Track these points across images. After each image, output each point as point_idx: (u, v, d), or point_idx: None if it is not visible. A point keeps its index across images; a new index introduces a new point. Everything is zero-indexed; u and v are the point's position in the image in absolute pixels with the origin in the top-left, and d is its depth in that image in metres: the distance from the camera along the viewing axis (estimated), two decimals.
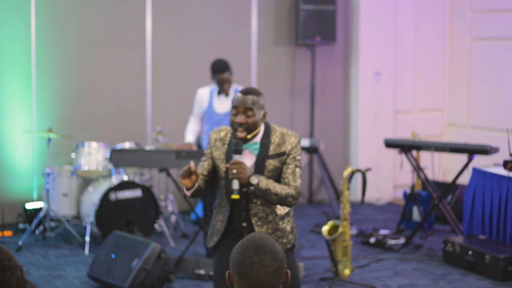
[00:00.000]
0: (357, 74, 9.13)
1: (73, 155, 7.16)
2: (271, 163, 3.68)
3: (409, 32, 9.32)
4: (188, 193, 3.68)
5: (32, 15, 7.64)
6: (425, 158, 7.45)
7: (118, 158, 6.51)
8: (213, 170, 3.78)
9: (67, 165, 7.55)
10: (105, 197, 6.80)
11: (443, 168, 9.31)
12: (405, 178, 8.53)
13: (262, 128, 3.72)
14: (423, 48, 9.41)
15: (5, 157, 7.63)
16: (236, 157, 3.62)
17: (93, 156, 7.07)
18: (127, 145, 7.35)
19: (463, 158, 6.89)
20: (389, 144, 7.26)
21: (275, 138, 3.71)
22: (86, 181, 7.23)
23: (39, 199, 7.67)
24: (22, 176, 7.71)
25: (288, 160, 3.69)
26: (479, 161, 6.97)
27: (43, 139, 7.44)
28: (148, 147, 7.47)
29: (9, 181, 7.66)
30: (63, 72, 7.85)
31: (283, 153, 3.69)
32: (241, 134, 3.64)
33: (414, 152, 7.27)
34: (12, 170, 7.67)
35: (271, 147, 3.69)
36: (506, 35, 8.71)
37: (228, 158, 3.69)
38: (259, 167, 3.68)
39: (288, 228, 3.78)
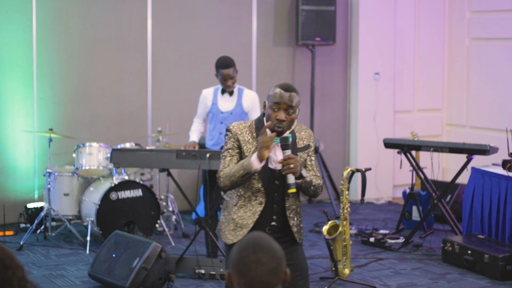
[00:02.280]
0: (356, 74, 9.14)
1: (74, 155, 7.17)
2: (302, 156, 3.78)
3: (408, 32, 9.34)
4: (259, 167, 3.61)
5: (33, 15, 7.66)
6: (425, 158, 7.46)
7: (118, 158, 6.52)
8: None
9: (68, 165, 7.57)
10: (106, 197, 6.82)
11: (442, 168, 9.32)
12: (405, 178, 8.55)
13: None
14: (423, 48, 9.42)
15: (6, 157, 7.66)
16: (287, 152, 3.65)
17: (94, 156, 7.09)
18: (127, 145, 7.36)
19: (462, 158, 6.90)
20: (388, 144, 7.27)
21: (298, 133, 3.81)
22: (87, 181, 7.25)
23: (40, 198, 7.69)
24: (23, 176, 7.73)
25: (310, 153, 3.83)
26: (478, 161, 6.98)
27: (44, 139, 7.46)
28: (148, 147, 7.48)
29: (10, 180, 7.68)
30: (64, 72, 7.87)
31: (307, 146, 3.82)
32: (278, 129, 3.68)
33: (413, 152, 7.29)
34: (13, 170, 7.69)
35: (298, 141, 3.78)
36: (505, 35, 8.72)
37: None
38: None
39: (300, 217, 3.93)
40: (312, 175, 3.78)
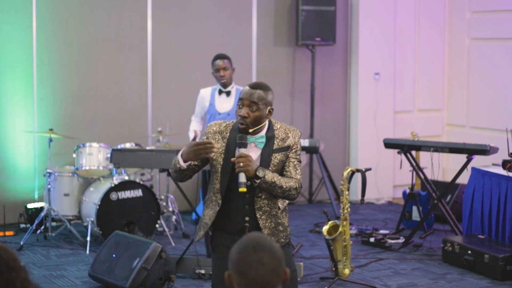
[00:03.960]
0: (357, 74, 9.15)
1: (74, 155, 7.17)
2: (276, 157, 3.70)
3: (408, 32, 9.34)
4: (184, 165, 3.61)
5: (33, 15, 7.66)
6: (425, 158, 7.46)
7: (119, 158, 6.53)
8: (202, 162, 3.73)
9: (68, 165, 7.57)
10: (106, 197, 6.83)
11: (442, 168, 9.33)
12: (405, 178, 8.55)
13: (266, 123, 3.73)
14: (423, 48, 9.42)
15: (6, 157, 7.66)
16: (242, 151, 3.61)
17: (94, 156, 7.09)
18: (128, 145, 7.37)
19: (462, 158, 6.90)
20: (389, 144, 7.27)
21: (278, 133, 3.73)
22: (87, 181, 7.25)
23: (40, 199, 7.69)
24: (23, 176, 7.73)
25: (290, 154, 3.72)
26: (478, 161, 6.98)
27: (45, 139, 7.46)
28: (149, 147, 7.48)
29: (10, 181, 7.68)
30: (64, 73, 7.88)
31: (287, 147, 3.72)
32: (241, 126, 3.65)
33: (413, 152, 7.29)
34: (13, 170, 7.69)
35: (276, 141, 3.71)
36: (505, 35, 8.73)
37: (227, 152, 3.67)
38: (264, 161, 3.68)
39: (286, 222, 3.83)
40: (282, 177, 3.65)
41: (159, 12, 8.23)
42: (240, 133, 3.66)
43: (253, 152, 3.69)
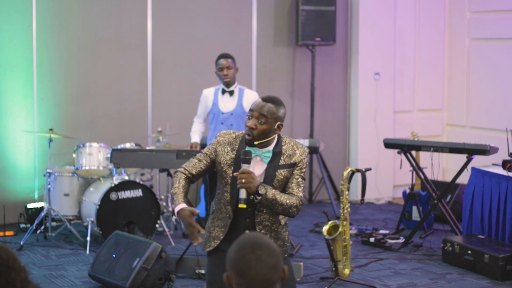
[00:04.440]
0: (357, 74, 9.15)
1: (74, 155, 7.18)
2: (281, 173, 3.67)
3: (408, 32, 9.34)
4: (176, 213, 3.62)
5: (34, 15, 7.66)
6: (425, 158, 7.47)
7: (119, 158, 6.53)
8: (202, 173, 3.72)
9: (68, 165, 7.57)
10: (106, 197, 6.83)
11: (442, 168, 9.33)
12: (405, 178, 8.55)
13: (275, 138, 3.69)
14: (423, 48, 9.43)
15: (6, 157, 7.66)
16: (245, 167, 3.59)
17: (94, 156, 7.09)
18: (128, 145, 7.37)
19: (462, 158, 6.91)
20: (389, 144, 7.27)
21: (286, 149, 3.69)
22: (87, 181, 7.25)
23: (40, 199, 7.69)
24: (23, 176, 7.73)
25: (295, 171, 3.69)
26: (478, 161, 6.98)
27: (45, 139, 7.46)
28: (149, 147, 7.48)
29: (10, 181, 7.68)
30: (64, 73, 7.88)
31: (293, 164, 3.68)
32: (247, 137, 3.63)
33: (413, 152, 7.29)
34: (13, 170, 7.69)
35: (282, 158, 3.67)
36: (505, 35, 8.73)
37: (236, 164, 3.64)
38: (269, 176, 3.65)
39: (286, 237, 3.80)
40: (283, 194, 3.63)
41: (159, 12, 8.23)
42: (246, 143, 3.64)
43: (259, 166, 3.67)
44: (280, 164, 3.66)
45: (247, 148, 3.64)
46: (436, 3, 9.42)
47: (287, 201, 3.62)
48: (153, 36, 8.22)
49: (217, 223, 3.73)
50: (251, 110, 3.64)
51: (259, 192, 3.56)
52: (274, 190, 3.60)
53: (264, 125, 3.61)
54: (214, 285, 3.71)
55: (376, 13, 9.11)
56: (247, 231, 3.66)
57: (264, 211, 3.67)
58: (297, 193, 3.68)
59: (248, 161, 3.59)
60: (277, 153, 3.67)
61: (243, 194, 3.58)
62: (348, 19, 9.16)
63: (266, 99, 3.66)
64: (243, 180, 3.54)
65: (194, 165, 3.72)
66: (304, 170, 3.72)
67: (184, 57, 8.39)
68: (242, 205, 3.59)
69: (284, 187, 3.69)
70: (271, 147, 3.68)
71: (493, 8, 8.91)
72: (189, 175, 3.71)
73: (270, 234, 3.70)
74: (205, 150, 3.75)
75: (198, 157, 3.74)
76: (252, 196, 3.59)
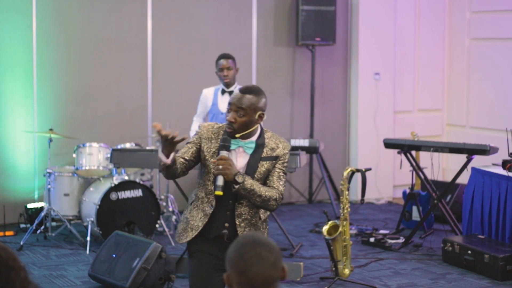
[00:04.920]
0: (357, 74, 9.15)
1: (74, 155, 7.18)
2: (263, 165, 3.64)
3: (408, 32, 9.34)
4: (168, 161, 3.50)
5: (34, 15, 7.66)
6: (425, 158, 7.47)
7: (119, 158, 6.53)
8: (195, 159, 3.67)
9: (68, 165, 7.57)
10: (106, 197, 6.83)
11: (442, 168, 9.33)
12: (405, 178, 8.55)
13: (258, 129, 3.67)
14: (423, 48, 9.43)
15: (6, 157, 7.66)
16: (223, 153, 3.56)
17: (94, 156, 7.09)
18: (128, 145, 7.37)
19: (462, 158, 6.91)
20: (389, 144, 7.27)
21: (268, 141, 3.67)
22: (87, 181, 7.25)
23: (40, 199, 7.69)
24: (23, 176, 7.73)
25: (277, 165, 3.66)
26: (478, 161, 6.98)
27: (45, 139, 7.46)
28: (149, 147, 7.48)
29: (10, 181, 7.68)
30: (64, 73, 7.88)
31: (276, 157, 3.66)
32: (228, 130, 3.61)
33: (413, 152, 7.29)
34: (13, 170, 7.69)
35: (265, 150, 3.65)
36: (505, 35, 8.73)
37: (219, 153, 3.60)
38: (251, 168, 3.62)
39: (266, 234, 3.76)
40: (263, 186, 3.59)
41: (159, 12, 8.23)
42: (228, 136, 3.61)
43: (241, 157, 3.64)
44: (262, 156, 3.64)
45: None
46: (436, 3, 9.42)
47: (266, 193, 3.58)
48: (153, 36, 8.22)
49: (196, 213, 3.67)
50: (229, 103, 3.61)
51: (237, 180, 3.51)
52: (253, 181, 3.56)
53: (243, 118, 3.58)
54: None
55: (376, 13, 9.11)
56: (226, 224, 3.63)
57: (244, 204, 3.63)
58: (277, 186, 3.64)
59: (227, 148, 3.57)
60: (260, 144, 3.65)
61: (220, 181, 3.53)
62: (348, 19, 9.16)
63: (244, 91, 3.62)
64: (220, 167, 3.50)
65: (185, 151, 3.67)
66: (286, 164, 3.69)
67: (184, 57, 8.39)
68: (218, 192, 3.53)
69: (265, 180, 3.66)
70: (254, 138, 3.65)
71: (493, 8, 8.91)
72: (183, 160, 3.64)
73: (249, 228, 3.65)
74: (193, 138, 3.71)
75: (187, 144, 3.71)
76: (229, 185, 3.52)
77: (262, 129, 3.70)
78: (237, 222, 3.63)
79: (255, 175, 3.62)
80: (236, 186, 3.53)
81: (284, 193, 3.69)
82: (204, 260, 3.66)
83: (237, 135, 3.60)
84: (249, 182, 3.54)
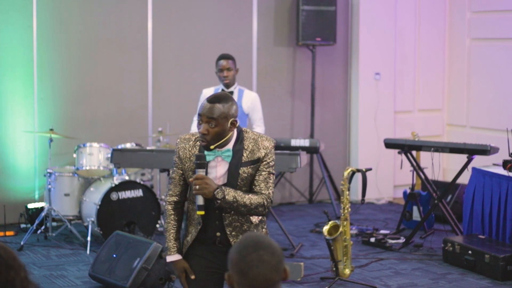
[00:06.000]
0: (357, 74, 9.15)
1: (74, 155, 7.18)
2: (245, 171, 3.54)
3: (409, 32, 9.34)
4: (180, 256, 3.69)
5: (34, 15, 7.66)
6: (425, 158, 7.47)
7: (119, 158, 6.54)
8: (185, 181, 3.65)
9: (68, 165, 7.57)
10: (106, 197, 6.83)
11: (443, 168, 9.33)
12: (405, 178, 8.55)
13: (234, 135, 3.57)
14: (423, 48, 9.43)
15: (7, 157, 7.66)
16: (199, 172, 3.49)
17: (95, 156, 7.09)
18: (128, 145, 7.37)
19: (462, 158, 6.90)
20: (389, 144, 7.27)
21: (248, 144, 3.56)
22: (88, 181, 7.25)
23: (40, 199, 7.69)
24: (24, 176, 7.73)
25: (261, 167, 3.56)
26: (479, 161, 6.98)
27: (45, 139, 7.46)
28: (149, 147, 7.48)
29: (11, 181, 7.68)
30: (64, 73, 7.88)
31: (257, 160, 3.55)
32: (202, 143, 3.53)
33: (414, 152, 7.29)
34: (14, 170, 7.69)
35: (245, 154, 3.55)
36: (506, 35, 8.73)
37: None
38: (232, 175, 3.54)
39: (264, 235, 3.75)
40: (247, 195, 3.52)
41: (159, 12, 8.23)
42: (204, 148, 3.53)
43: (221, 166, 3.56)
44: (243, 161, 3.54)
45: (205, 152, 3.55)
46: (436, 3, 9.42)
47: (252, 201, 3.51)
48: (153, 36, 8.22)
49: (190, 229, 3.68)
50: (199, 115, 3.51)
51: (217, 196, 3.46)
52: (234, 192, 3.49)
53: (216, 128, 3.47)
54: None
55: (376, 13, 9.11)
56: (218, 234, 3.61)
57: (232, 212, 3.57)
58: (264, 191, 3.56)
59: (202, 166, 3.50)
60: (237, 150, 3.55)
61: (200, 201, 3.51)
62: (349, 19, 9.16)
63: (213, 100, 3.50)
64: (197, 187, 3.46)
65: (175, 184, 3.66)
66: (271, 164, 3.58)
67: (184, 57, 8.39)
68: (200, 212, 3.51)
69: (250, 185, 3.58)
70: (230, 145, 3.55)
71: (493, 8, 8.91)
72: (176, 199, 3.67)
73: (242, 235, 3.57)
74: (174, 163, 3.66)
75: (172, 175, 3.66)
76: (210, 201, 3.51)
77: (239, 133, 3.59)
78: (227, 232, 3.59)
79: (238, 182, 3.54)
80: (218, 202, 3.49)
81: (273, 195, 3.61)
82: (198, 263, 3.67)
83: (211, 147, 3.52)
84: (231, 195, 3.48)
